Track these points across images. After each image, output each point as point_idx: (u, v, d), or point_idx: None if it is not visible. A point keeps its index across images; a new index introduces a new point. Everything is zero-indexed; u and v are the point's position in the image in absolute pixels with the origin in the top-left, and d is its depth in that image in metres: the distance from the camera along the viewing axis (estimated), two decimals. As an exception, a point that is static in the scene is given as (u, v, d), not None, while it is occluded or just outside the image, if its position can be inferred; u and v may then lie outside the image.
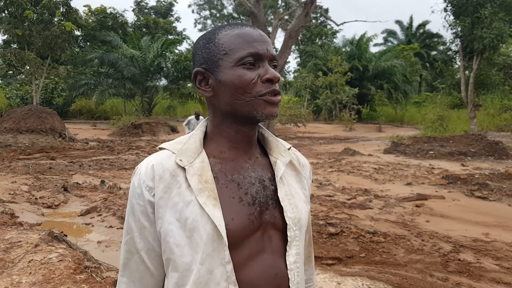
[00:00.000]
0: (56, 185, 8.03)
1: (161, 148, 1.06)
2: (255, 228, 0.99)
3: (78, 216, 6.46)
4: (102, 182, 8.71)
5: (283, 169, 1.06)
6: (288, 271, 1.00)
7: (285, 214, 1.02)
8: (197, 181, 0.98)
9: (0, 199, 6.63)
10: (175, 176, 0.99)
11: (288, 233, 1.01)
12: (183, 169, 1.00)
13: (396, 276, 4.31)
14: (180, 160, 1.00)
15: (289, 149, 1.13)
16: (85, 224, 6.11)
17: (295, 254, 1.02)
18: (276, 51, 28.72)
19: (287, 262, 1.01)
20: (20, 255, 3.85)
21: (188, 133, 8.82)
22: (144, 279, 1.04)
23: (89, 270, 3.53)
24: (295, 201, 1.06)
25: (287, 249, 1.01)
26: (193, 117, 11.78)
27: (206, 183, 0.98)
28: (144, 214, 1.01)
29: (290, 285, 1.00)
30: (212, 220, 0.94)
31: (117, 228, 5.86)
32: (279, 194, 1.03)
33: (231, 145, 1.05)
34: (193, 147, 1.03)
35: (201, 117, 11.51)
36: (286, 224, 1.02)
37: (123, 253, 1.06)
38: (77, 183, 8.61)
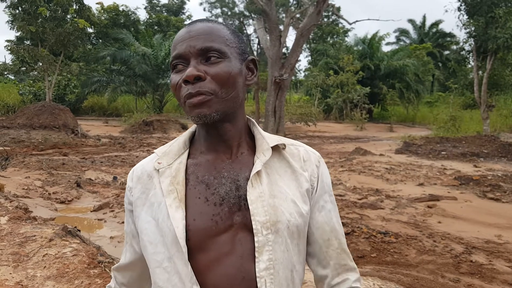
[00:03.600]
0: (69, 181, 8.11)
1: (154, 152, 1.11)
2: (221, 230, 0.97)
3: (91, 211, 6.53)
4: (115, 178, 8.77)
5: (258, 168, 1.00)
6: (257, 279, 0.95)
7: (252, 217, 0.96)
8: (168, 183, 1.00)
9: (14, 194, 6.71)
10: (152, 177, 1.04)
11: (256, 238, 0.95)
12: (159, 171, 1.04)
13: (408, 276, 4.30)
14: (159, 163, 1.04)
15: (284, 146, 1.07)
16: (98, 219, 6.17)
17: (267, 260, 0.95)
18: (287, 49, 28.70)
19: (256, 269, 0.95)
20: (34, 249, 3.90)
21: None
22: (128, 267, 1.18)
23: (102, 265, 3.57)
24: (275, 202, 0.99)
25: (256, 255, 0.95)
26: None
27: (177, 185, 1.00)
28: (129, 211, 1.10)
29: None
30: (172, 221, 0.96)
31: (129, 224, 5.91)
32: (248, 196, 0.97)
33: (208, 145, 1.05)
34: (175, 149, 1.06)
35: None
36: None
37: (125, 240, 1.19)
38: (90, 179, 8.68)
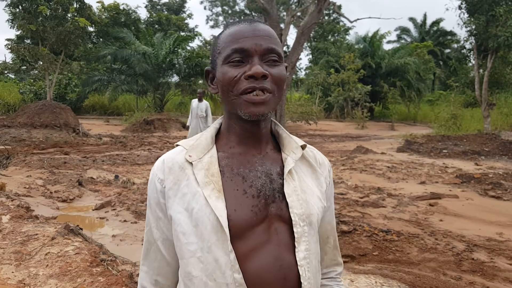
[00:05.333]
0: (70, 180, 8.11)
1: (177, 145, 1.14)
2: (259, 220, 1.02)
3: (93, 210, 6.53)
4: (116, 177, 8.78)
5: (292, 165, 1.07)
6: (299, 267, 1.01)
7: (290, 210, 1.03)
8: (203, 175, 1.03)
9: (15, 193, 6.72)
10: (184, 169, 1.06)
11: (295, 229, 1.02)
12: (192, 163, 1.06)
13: (410, 274, 4.30)
14: (190, 156, 1.07)
15: (304, 146, 1.14)
16: (100, 218, 6.17)
17: (305, 250, 1.02)
18: (288, 48, 28.66)
19: (297, 258, 1.01)
20: (37, 247, 3.91)
21: (192, 119, 8.48)
22: (161, 268, 1.13)
23: (105, 263, 3.58)
24: (306, 197, 1.07)
25: (296, 245, 1.02)
26: (196, 100, 10.80)
27: (212, 177, 1.03)
28: (158, 205, 1.09)
29: (302, 280, 1.01)
30: (214, 211, 0.99)
31: (131, 223, 5.91)
32: (285, 189, 1.04)
33: (240, 141, 1.10)
34: (204, 143, 1.10)
35: (204, 101, 10.67)
36: None
37: (144, 243, 1.16)
38: (91, 177, 8.68)
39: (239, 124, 1.08)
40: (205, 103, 10.59)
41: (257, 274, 0.99)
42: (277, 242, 1.01)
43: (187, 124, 11.02)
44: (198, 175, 1.04)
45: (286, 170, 1.06)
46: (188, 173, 1.06)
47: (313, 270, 1.04)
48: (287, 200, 1.03)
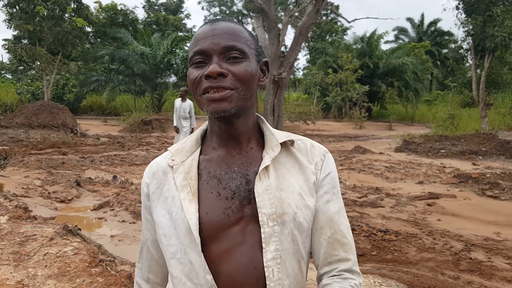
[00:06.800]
0: (69, 180, 8.09)
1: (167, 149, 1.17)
2: (232, 222, 1.02)
3: (91, 210, 6.52)
4: (114, 177, 8.77)
5: (267, 163, 1.04)
6: (265, 268, 0.99)
7: (258, 210, 1.01)
8: (182, 179, 1.06)
9: (13, 193, 6.70)
10: (166, 173, 1.10)
11: (262, 229, 1.00)
12: (173, 168, 1.09)
13: (408, 274, 4.31)
14: (172, 160, 1.10)
15: (291, 142, 1.12)
16: (98, 218, 6.16)
17: (274, 250, 1.00)
18: (286, 48, 28.68)
19: (264, 259, 0.99)
20: (35, 248, 3.90)
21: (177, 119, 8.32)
22: (152, 266, 1.19)
23: (104, 264, 3.57)
24: (282, 195, 1.03)
25: (264, 245, 1.00)
26: (179, 100, 10.42)
27: (190, 180, 1.05)
28: (147, 208, 1.14)
29: (267, 281, 0.99)
30: (186, 214, 1.01)
31: (130, 223, 5.91)
32: (255, 189, 1.02)
33: (220, 141, 1.10)
34: (188, 146, 1.12)
35: (188, 100, 10.30)
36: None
37: (140, 243, 1.22)
38: (90, 178, 8.67)
39: (216, 124, 1.09)
40: (188, 102, 10.28)
41: (230, 275, 0.99)
42: (252, 244, 1.01)
43: (174, 124, 10.78)
44: (178, 178, 1.06)
45: (260, 169, 1.04)
46: (170, 177, 1.09)
47: (287, 271, 1.01)
48: (256, 199, 1.01)
